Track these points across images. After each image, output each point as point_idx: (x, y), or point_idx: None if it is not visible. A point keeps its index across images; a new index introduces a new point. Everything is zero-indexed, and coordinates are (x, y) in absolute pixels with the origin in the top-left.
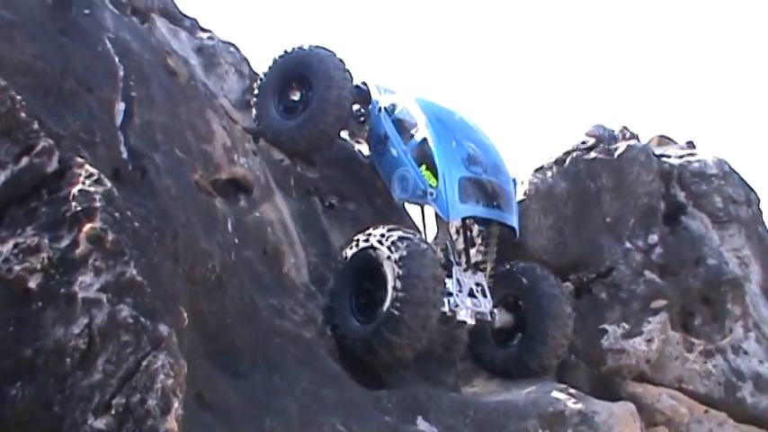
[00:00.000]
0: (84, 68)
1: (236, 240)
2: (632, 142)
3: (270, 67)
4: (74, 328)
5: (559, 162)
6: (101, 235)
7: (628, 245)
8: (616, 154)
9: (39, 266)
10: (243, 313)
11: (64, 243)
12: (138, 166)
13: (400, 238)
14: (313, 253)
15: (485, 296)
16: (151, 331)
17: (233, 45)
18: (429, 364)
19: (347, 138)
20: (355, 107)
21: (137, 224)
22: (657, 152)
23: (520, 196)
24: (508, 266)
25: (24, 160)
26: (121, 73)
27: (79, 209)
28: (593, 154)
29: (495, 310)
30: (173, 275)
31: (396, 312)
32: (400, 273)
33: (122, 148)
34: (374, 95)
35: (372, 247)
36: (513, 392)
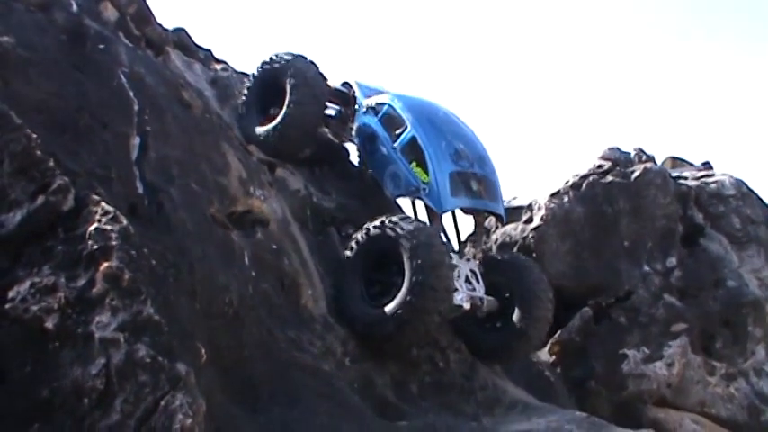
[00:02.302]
0: (100, 104)
1: (254, 273)
2: (648, 165)
3: (249, 84)
4: (91, 368)
5: (576, 186)
6: (117, 274)
7: (646, 268)
8: (632, 177)
9: (56, 306)
10: (261, 346)
11: (81, 282)
12: (154, 201)
13: (402, 219)
14: (330, 284)
15: (478, 282)
16: (169, 370)
17: (247, 75)
18: (448, 393)
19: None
20: (336, 108)
21: (153, 261)
22: (673, 174)
23: (536, 222)
24: (492, 255)
25: (40, 198)
26: (136, 107)
27: (96, 247)
28: (609, 177)
29: (485, 296)
30: (190, 312)
31: (419, 278)
32: (412, 244)
33: (138, 183)
34: (358, 95)
35: (379, 235)
36: (533, 421)
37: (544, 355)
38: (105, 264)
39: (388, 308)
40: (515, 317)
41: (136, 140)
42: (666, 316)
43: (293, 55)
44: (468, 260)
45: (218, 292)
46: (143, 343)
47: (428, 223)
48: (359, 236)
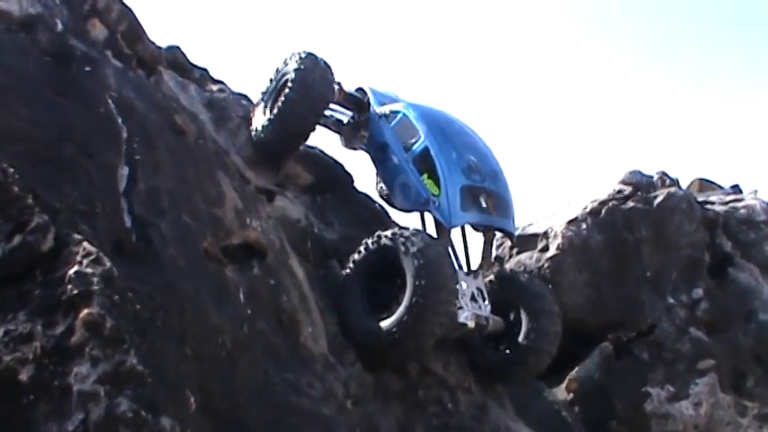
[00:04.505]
0: (85, 132)
1: (249, 311)
2: (672, 189)
3: (266, 86)
4: (68, 424)
5: (594, 213)
6: (98, 321)
7: (670, 300)
8: (655, 203)
9: (31, 356)
10: (256, 391)
11: (59, 330)
12: (142, 236)
13: (413, 233)
14: (332, 321)
15: (484, 300)
16: (153, 425)
17: (245, 97)
18: None
19: (379, 198)
20: (349, 114)
21: (138, 306)
22: (699, 198)
23: (553, 250)
24: (499, 273)
25: (17, 238)
26: (125, 135)
27: (75, 292)
28: (630, 203)
29: (491, 315)
30: (178, 357)
31: (420, 299)
32: (419, 263)
33: (126, 217)
34: (372, 102)
35: (386, 245)
36: None
37: (561, 393)
38: (85, 310)
39: (386, 323)
40: (521, 337)
41: (124, 171)
42: (693, 352)
43: (305, 53)
44: (476, 278)
45: (210, 333)
46: (125, 396)
47: (436, 238)
48: (365, 245)
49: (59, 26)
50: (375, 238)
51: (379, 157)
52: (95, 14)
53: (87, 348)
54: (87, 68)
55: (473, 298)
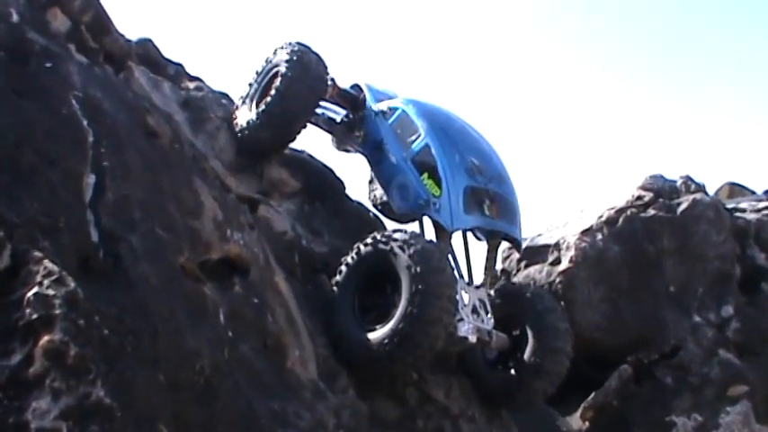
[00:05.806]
0: (46, 136)
1: (230, 333)
2: (698, 195)
3: (254, 77)
4: None
5: (611, 222)
6: (61, 349)
7: (697, 318)
8: (679, 210)
9: None
10: (237, 422)
11: (15, 359)
12: (110, 252)
13: (412, 237)
14: (322, 343)
15: (486, 313)
16: None
17: (225, 95)
18: None
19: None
20: (344, 112)
21: (106, 331)
22: (729, 205)
23: (565, 263)
24: (503, 285)
25: None
26: (91, 139)
27: (35, 317)
28: (650, 211)
29: (494, 331)
30: (150, 387)
31: (415, 309)
32: (416, 270)
33: (92, 230)
34: (369, 99)
35: (376, 250)
36: None
37: (575, 421)
38: (46, 337)
39: (378, 334)
40: (527, 355)
41: (90, 179)
42: (723, 376)
43: (297, 44)
44: (478, 288)
45: (186, 359)
46: None
47: (436, 243)
48: (358, 250)
49: (15, 17)
50: (361, 244)
51: (376, 156)
52: (56, 3)
53: (48, 380)
54: (48, 64)
55: (474, 310)
